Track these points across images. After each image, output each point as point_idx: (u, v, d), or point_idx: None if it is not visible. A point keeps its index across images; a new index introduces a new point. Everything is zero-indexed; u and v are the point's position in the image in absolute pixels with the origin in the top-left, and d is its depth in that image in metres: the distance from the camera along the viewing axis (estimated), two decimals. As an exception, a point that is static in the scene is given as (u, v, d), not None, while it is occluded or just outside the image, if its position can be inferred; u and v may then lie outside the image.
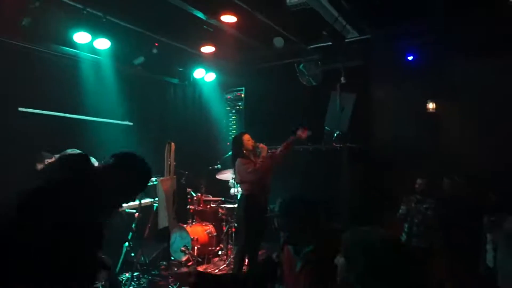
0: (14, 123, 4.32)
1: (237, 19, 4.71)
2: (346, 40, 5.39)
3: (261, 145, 4.33)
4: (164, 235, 4.39)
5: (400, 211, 4.57)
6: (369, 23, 5.23)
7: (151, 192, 4.61)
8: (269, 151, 4.39)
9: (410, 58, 5.19)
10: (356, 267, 1.36)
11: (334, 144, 5.54)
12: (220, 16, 4.66)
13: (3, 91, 4.26)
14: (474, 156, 4.74)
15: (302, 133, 4.38)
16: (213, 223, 5.52)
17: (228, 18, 4.69)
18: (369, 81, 5.81)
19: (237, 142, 4.34)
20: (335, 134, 5.54)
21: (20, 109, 4.48)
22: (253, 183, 4.15)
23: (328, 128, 5.59)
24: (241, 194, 4.36)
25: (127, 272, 4.50)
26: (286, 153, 4.40)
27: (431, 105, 5.11)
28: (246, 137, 4.34)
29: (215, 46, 5.51)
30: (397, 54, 5.45)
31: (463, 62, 4.99)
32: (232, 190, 5.35)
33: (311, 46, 5.77)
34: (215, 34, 5.18)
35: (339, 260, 1.43)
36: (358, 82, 5.59)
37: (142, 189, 1.91)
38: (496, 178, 4.43)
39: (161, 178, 3.25)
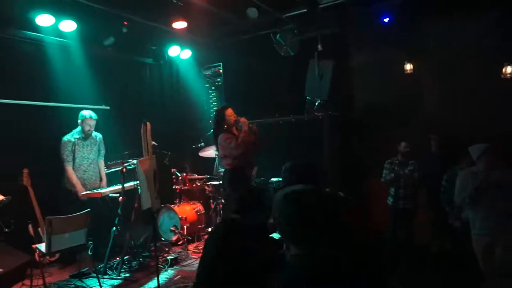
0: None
1: (207, -9, 4.54)
2: (321, 6, 5.27)
3: (242, 119, 4.30)
4: (151, 217, 4.37)
5: (384, 175, 4.61)
6: (343, -14, 5.11)
7: (134, 174, 4.55)
8: (251, 124, 4.36)
9: (386, 20, 5.11)
10: (280, 225, 1.47)
11: (316, 113, 5.53)
12: (189, -12, 4.48)
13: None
14: (454, 116, 4.79)
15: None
16: (201, 201, 5.52)
17: (198, -10, 4.52)
18: (347, 47, 5.75)
19: (219, 116, 4.30)
20: (317, 103, 5.53)
21: (-12, 100, 4.31)
22: (236, 158, 4.13)
23: (309, 98, 5.56)
24: (224, 170, 4.35)
25: (117, 257, 4.50)
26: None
27: (408, 67, 5.09)
28: (229, 111, 4.30)
29: (187, 21, 5.32)
30: (372, 18, 5.36)
31: (439, 21, 4.96)
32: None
33: (286, 15, 5.62)
34: (186, 8, 4.99)
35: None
36: (336, 49, 5.53)
37: None
38: (474, 137, 4.51)
39: (140, 159, 3.19)
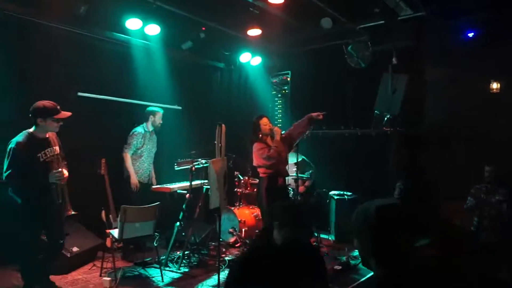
0: (74, 108, 4.55)
1: (284, 0, 4.61)
2: (399, 18, 5.13)
3: (275, 128, 4.39)
4: (213, 216, 4.50)
5: (468, 202, 4.22)
6: (424, -2, 4.92)
7: (201, 173, 4.73)
8: (283, 133, 4.43)
9: (470, 35, 4.81)
10: (364, 242, 1.42)
11: (384, 128, 5.36)
12: (267, -3, 4.58)
13: (64, 77, 4.51)
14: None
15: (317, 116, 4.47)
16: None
17: (275, -1, 4.61)
18: (423, 62, 5.50)
19: (254, 125, 4.43)
20: (386, 118, 5.35)
21: (80, 94, 4.73)
22: (268, 167, 4.26)
23: (377, 112, 5.40)
24: (259, 177, 4.44)
25: (179, 251, 4.68)
26: (300, 131, 4.50)
27: (494, 85, 4.72)
28: (264, 120, 4.41)
29: (261, 29, 5.45)
30: (453, 32, 5.09)
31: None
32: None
33: (361, 26, 5.53)
34: (261, 16, 5.12)
35: (355, 242, 1.47)
36: (410, 63, 5.33)
37: None
38: None
39: (213, 159, 3.31)
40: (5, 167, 3.12)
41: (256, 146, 4.31)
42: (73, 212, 3.59)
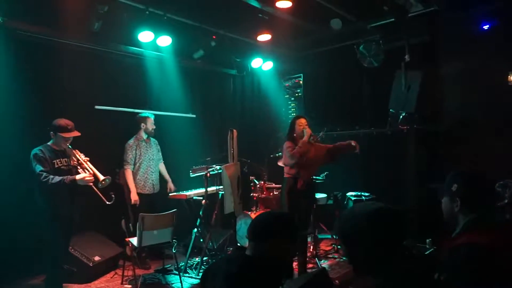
0: (93, 120, 4.70)
1: (292, 4, 4.63)
2: (410, 15, 5.05)
3: (307, 129, 4.30)
4: (230, 222, 4.52)
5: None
6: (435, -8, 4.84)
7: (216, 180, 4.78)
8: (313, 135, 4.32)
9: (485, 27, 4.69)
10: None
11: (400, 126, 5.27)
12: (275, 2, 4.62)
13: (82, 91, 4.67)
14: None
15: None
16: (277, 210, 5.54)
17: (283, 4, 4.63)
18: (437, 57, 5.39)
19: (290, 125, 4.40)
20: (401, 116, 5.26)
21: (97, 107, 4.88)
22: (292, 167, 4.19)
23: (392, 110, 5.32)
24: (283, 178, 4.41)
25: (197, 257, 4.72)
26: (337, 152, 4.47)
27: (512, 77, 4.58)
28: (300, 121, 4.36)
29: (271, 33, 5.49)
30: (468, 24, 4.97)
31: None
32: None
33: (372, 25, 5.48)
34: (270, 21, 5.17)
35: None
36: (424, 59, 5.24)
37: None
38: None
39: (225, 164, 3.34)
40: (37, 169, 3.39)
41: (285, 145, 4.28)
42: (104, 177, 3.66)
